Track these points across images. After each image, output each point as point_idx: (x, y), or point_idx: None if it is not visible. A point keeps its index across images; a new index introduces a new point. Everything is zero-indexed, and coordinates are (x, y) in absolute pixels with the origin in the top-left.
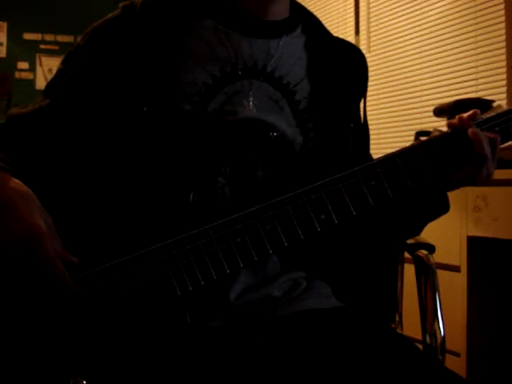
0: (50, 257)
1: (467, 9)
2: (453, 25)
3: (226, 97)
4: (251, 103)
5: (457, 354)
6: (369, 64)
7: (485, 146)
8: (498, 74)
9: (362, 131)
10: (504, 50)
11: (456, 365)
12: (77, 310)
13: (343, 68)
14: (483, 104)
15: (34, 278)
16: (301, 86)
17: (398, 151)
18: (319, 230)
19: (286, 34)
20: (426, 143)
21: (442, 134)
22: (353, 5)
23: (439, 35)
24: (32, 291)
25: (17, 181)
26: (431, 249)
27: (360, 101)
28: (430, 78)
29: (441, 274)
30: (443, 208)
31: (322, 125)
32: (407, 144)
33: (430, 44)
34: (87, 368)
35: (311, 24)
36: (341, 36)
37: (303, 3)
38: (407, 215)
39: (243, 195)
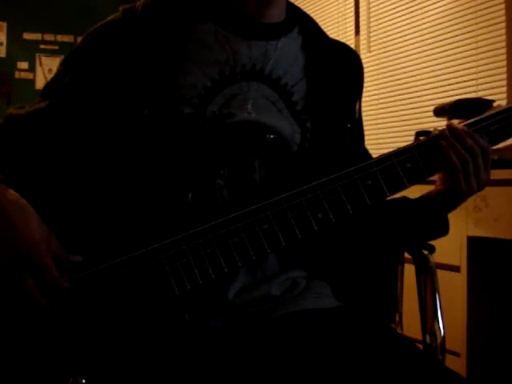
0: (44, 266)
1: (467, 9)
2: (453, 25)
3: (224, 99)
4: (250, 105)
5: (457, 354)
6: (369, 64)
7: (451, 155)
8: (498, 74)
9: (357, 130)
10: (504, 50)
11: (456, 365)
12: (75, 309)
13: (339, 69)
14: (483, 104)
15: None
16: (298, 86)
17: (394, 150)
18: (316, 228)
19: (283, 36)
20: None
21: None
22: (353, 5)
23: (439, 35)
24: (29, 297)
25: (13, 192)
26: (431, 249)
27: (356, 102)
28: (430, 77)
29: (441, 274)
30: (442, 228)
31: (319, 125)
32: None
33: (430, 44)
34: (86, 367)
35: (307, 25)
36: (341, 36)
37: (303, 3)
38: (405, 227)
39: (241, 197)
